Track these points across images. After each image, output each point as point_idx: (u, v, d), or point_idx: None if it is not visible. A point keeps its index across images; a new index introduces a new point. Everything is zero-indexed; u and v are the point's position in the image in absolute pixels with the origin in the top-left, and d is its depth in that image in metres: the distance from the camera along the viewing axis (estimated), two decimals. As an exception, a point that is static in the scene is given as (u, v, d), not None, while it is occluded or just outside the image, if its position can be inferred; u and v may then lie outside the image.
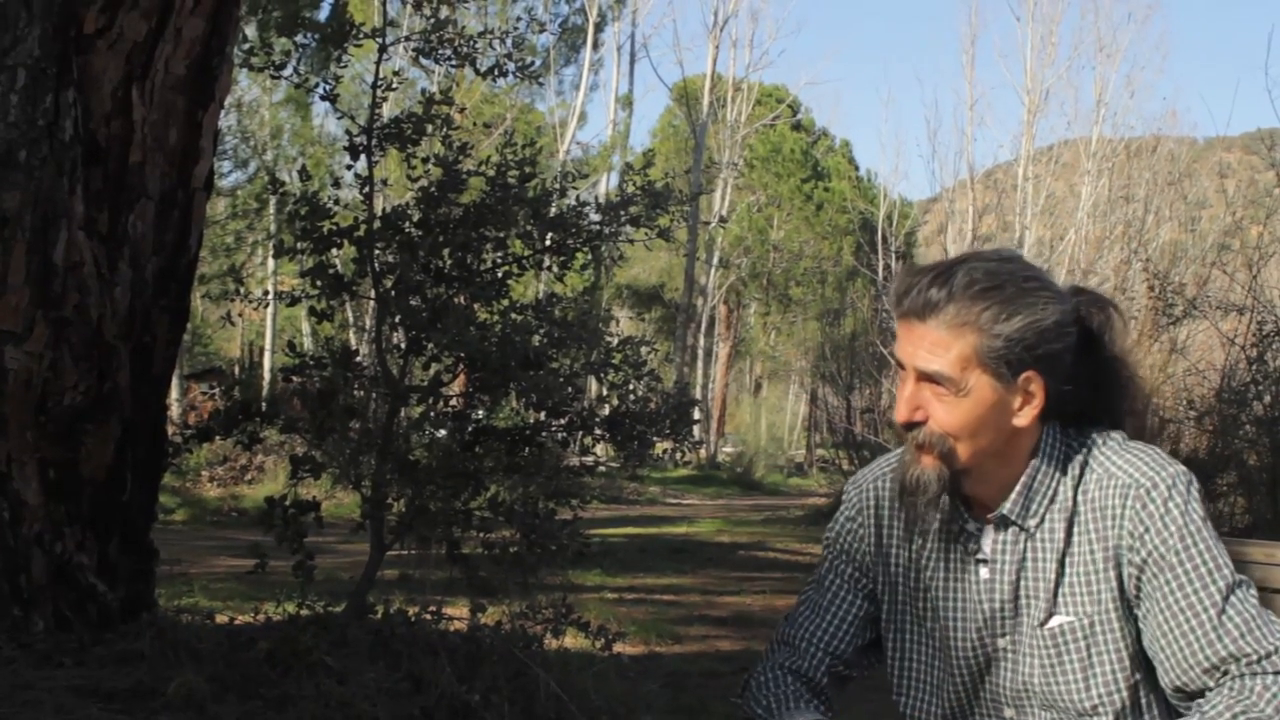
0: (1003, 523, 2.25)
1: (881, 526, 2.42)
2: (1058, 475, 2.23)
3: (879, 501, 2.44)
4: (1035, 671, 2.23)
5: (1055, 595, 2.21)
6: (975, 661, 2.29)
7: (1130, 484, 2.16)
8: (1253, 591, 2.13)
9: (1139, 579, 2.15)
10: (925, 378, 2.17)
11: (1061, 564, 2.21)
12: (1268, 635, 2.07)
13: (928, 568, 2.35)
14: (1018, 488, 2.23)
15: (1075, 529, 2.21)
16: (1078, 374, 2.22)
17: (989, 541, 2.27)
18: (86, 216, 5.71)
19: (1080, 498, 2.21)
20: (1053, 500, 2.23)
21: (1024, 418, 2.18)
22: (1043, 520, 2.23)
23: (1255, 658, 2.05)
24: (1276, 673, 2.04)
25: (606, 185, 33.98)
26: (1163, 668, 2.14)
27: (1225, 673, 2.06)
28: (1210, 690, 2.07)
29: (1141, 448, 2.22)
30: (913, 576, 2.37)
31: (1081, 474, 2.23)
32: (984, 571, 2.28)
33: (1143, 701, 2.20)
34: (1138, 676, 2.19)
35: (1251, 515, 11.72)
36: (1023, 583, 2.24)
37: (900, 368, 2.22)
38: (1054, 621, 2.21)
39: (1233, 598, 2.09)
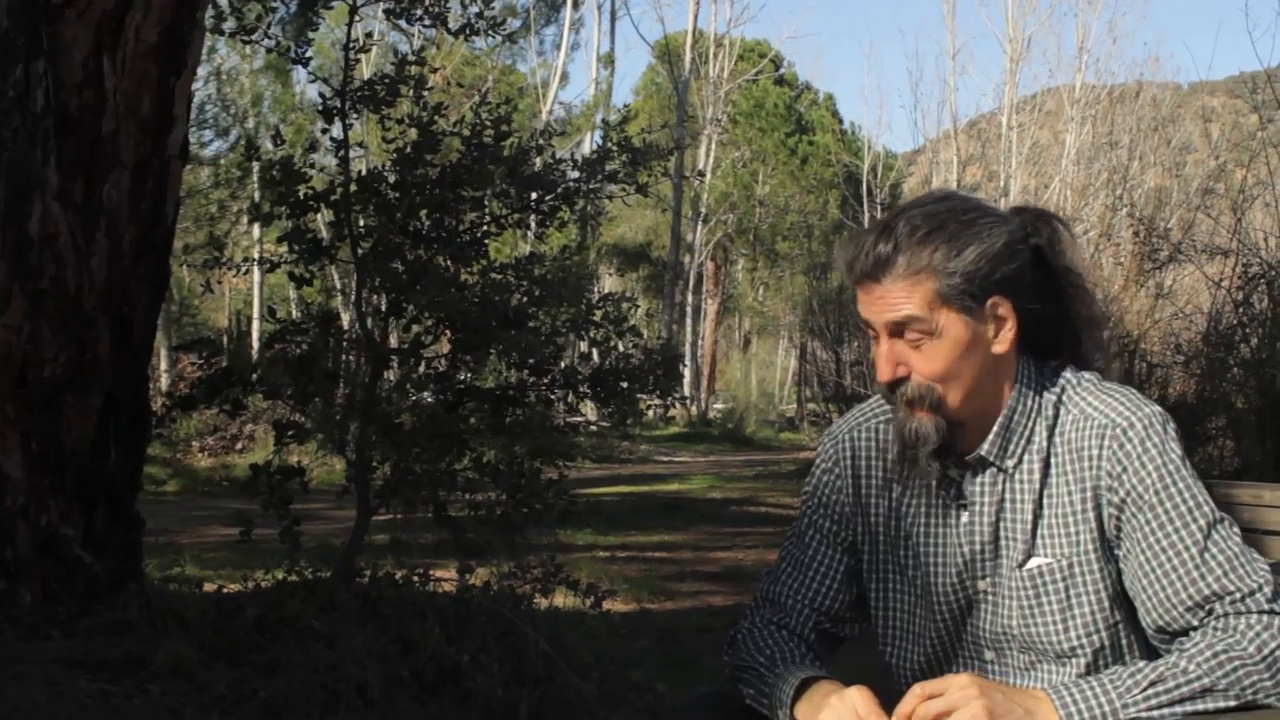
0: (981, 464, 2.25)
1: (859, 477, 2.41)
2: (1034, 415, 2.23)
3: (855, 452, 2.42)
4: (1014, 613, 2.23)
5: (1033, 536, 2.21)
6: (956, 605, 2.29)
7: (1107, 424, 2.16)
8: (1235, 529, 2.12)
9: (1119, 519, 2.14)
10: (898, 330, 2.17)
11: (1039, 505, 2.21)
12: (1250, 573, 2.06)
13: (908, 515, 2.34)
14: (995, 428, 2.23)
15: (1051, 470, 2.21)
16: (1038, 290, 2.23)
17: (969, 484, 2.27)
18: (61, 187, 5.68)
19: (1057, 439, 2.21)
20: (1029, 441, 2.23)
21: (1002, 343, 2.20)
22: (1020, 461, 2.23)
23: (1239, 595, 2.04)
24: (1260, 611, 2.03)
25: (590, 144, 33.82)
26: (1144, 607, 2.13)
27: (1209, 611, 2.05)
28: (1193, 629, 2.07)
29: (1117, 389, 2.22)
30: (893, 525, 2.36)
31: (1056, 415, 2.23)
32: (964, 515, 2.27)
33: (1123, 642, 2.20)
34: (1117, 617, 2.18)
35: (1240, 458, 11.74)
36: (1002, 524, 2.24)
37: (871, 331, 2.22)
38: (1032, 563, 2.20)
39: (1214, 535, 2.09)
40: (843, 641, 2.49)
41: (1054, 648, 2.20)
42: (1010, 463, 2.23)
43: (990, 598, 2.26)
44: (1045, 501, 2.21)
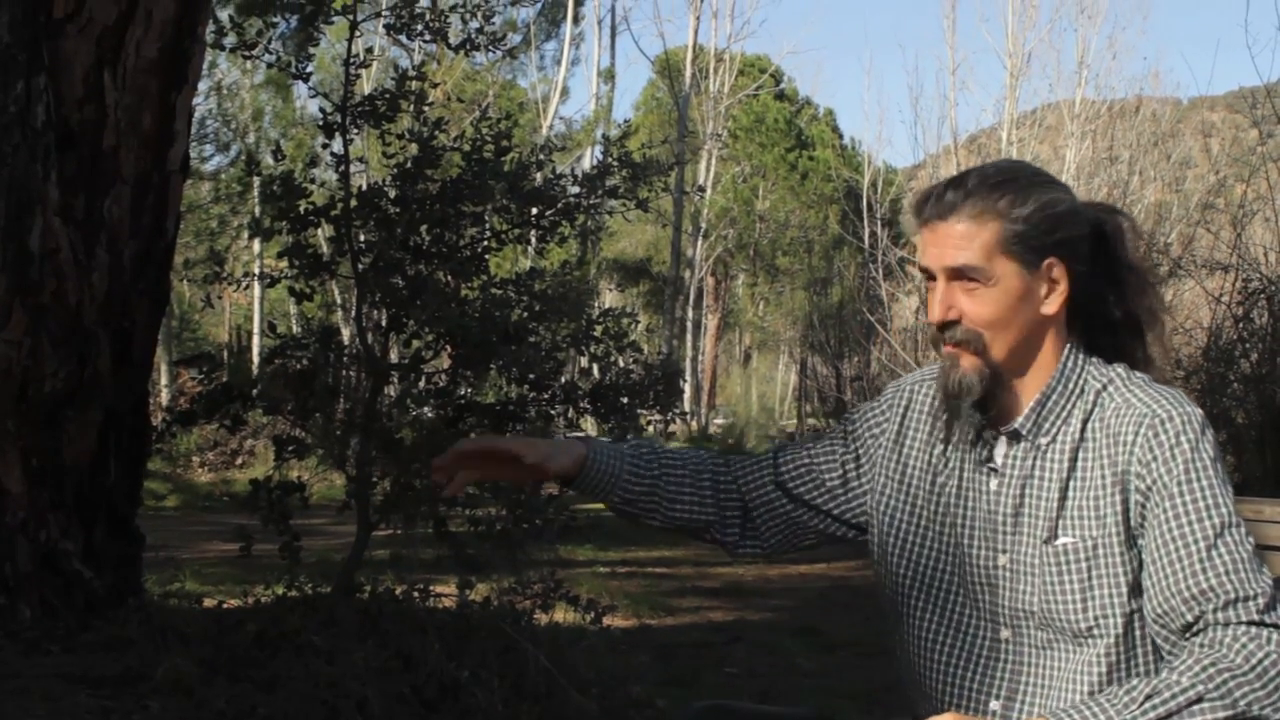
0: (1014, 437, 2.31)
1: (906, 426, 2.48)
2: (1074, 398, 2.29)
3: (911, 402, 2.49)
4: (1035, 591, 2.25)
5: (1058, 517, 2.25)
6: (977, 574, 2.33)
7: (1146, 414, 2.20)
8: (1249, 538, 2.14)
9: (1144, 507, 2.18)
10: (955, 275, 2.25)
11: (1066, 486, 2.25)
12: (1251, 579, 2.08)
13: (943, 473, 2.39)
14: (1031, 403, 2.29)
15: (1082, 454, 2.25)
16: (1096, 271, 2.32)
17: (1001, 453, 2.33)
18: (62, 202, 5.69)
19: (1096, 425, 2.26)
20: (1065, 422, 2.28)
21: (1052, 305, 2.27)
22: (1054, 439, 2.28)
23: (1233, 597, 2.06)
24: (1249, 622, 2.04)
25: (591, 159, 33.83)
26: (1148, 594, 2.16)
27: (1202, 611, 2.07)
28: (1185, 631, 2.09)
29: (1166, 389, 2.28)
30: (928, 480, 2.41)
31: (1096, 402, 2.27)
32: (993, 483, 2.32)
33: (1136, 634, 2.22)
34: (1134, 606, 2.20)
35: (1241, 473, 11.74)
36: (1026, 498, 2.28)
37: (928, 277, 2.31)
38: (1059, 540, 2.24)
39: (1226, 535, 2.11)
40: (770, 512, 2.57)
41: (1072, 626, 2.22)
42: (1044, 440, 2.28)
43: (1008, 574, 2.29)
44: (1072, 483, 2.25)
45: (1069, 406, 2.28)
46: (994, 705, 2.29)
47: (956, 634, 2.35)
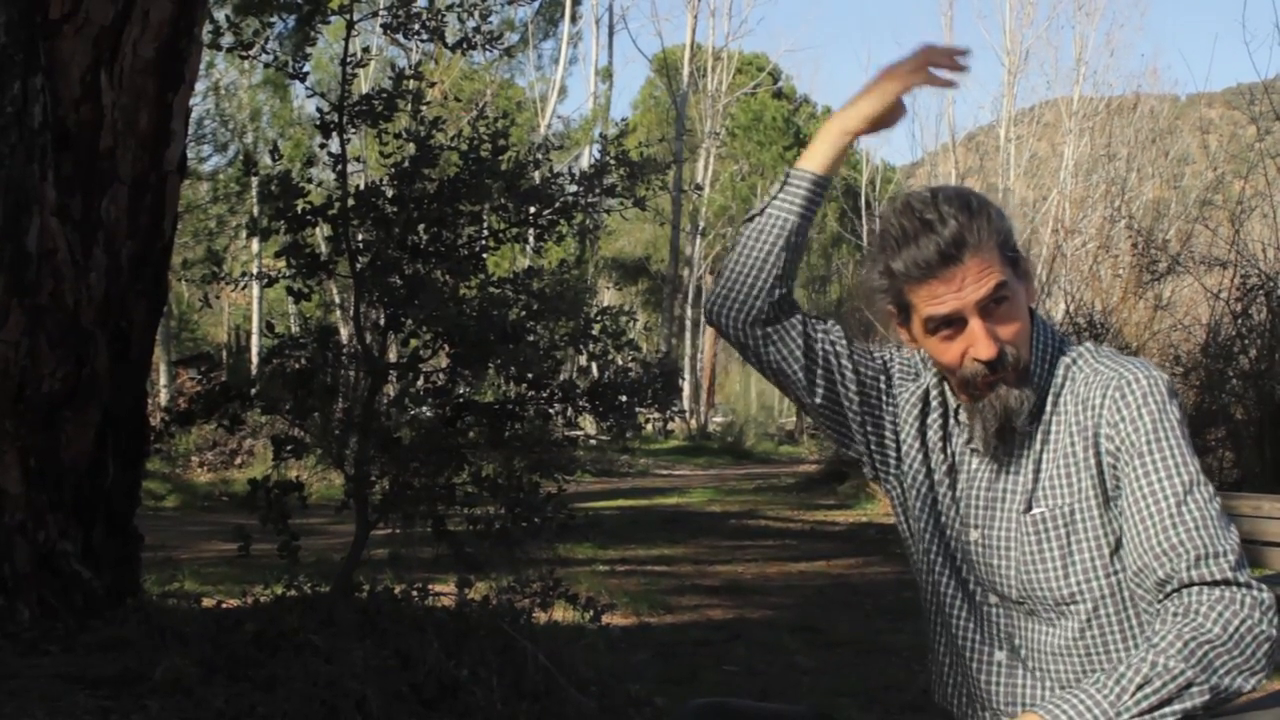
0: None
1: (929, 407, 2.48)
2: (1047, 378, 2.34)
3: (929, 392, 2.48)
4: (1011, 564, 2.33)
5: (1033, 488, 2.31)
6: (958, 548, 2.41)
7: (1113, 378, 2.26)
8: (1216, 499, 2.20)
9: (1115, 468, 2.23)
10: (992, 301, 2.24)
11: (1039, 460, 2.31)
12: (1220, 536, 2.14)
13: (933, 454, 2.46)
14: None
15: (1054, 427, 2.31)
16: None
17: (979, 433, 2.36)
18: (59, 203, 5.68)
19: (1067, 397, 2.31)
20: (1040, 401, 2.32)
21: (1032, 298, 2.33)
22: (1030, 420, 2.32)
23: (1202, 553, 2.12)
24: (1222, 580, 2.11)
25: (589, 158, 33.83)
26: (1125, 552, 2.23)
27: (1174, 571, 2.13)
28: (1162, 581, 2.14)
29: (1134, 358, 2.33)
30: (935, 458, 2.46)
31: (1066, 376, 2.33)
32: (974, 461, 2.39)
33: (1124, 595, 2.27)
34: (1118, 567, 2.26)
35: (1240, 469, 11.76)
36: (1002, 475, 2.35)
37: (942, 330, 2.27)
38: (1034, 511, 2.30)
39: (1196, 493, 2.17)
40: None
41: (1053, 594, 2.29)
42: (1025, 424, 2.32)
43: (980, 549, 2.37)
44: (1047, 455, 2.31)
45: (1041, 387, 2.32)
46: (999, 656, 2.36)
47: (962, 594, 2.42)
